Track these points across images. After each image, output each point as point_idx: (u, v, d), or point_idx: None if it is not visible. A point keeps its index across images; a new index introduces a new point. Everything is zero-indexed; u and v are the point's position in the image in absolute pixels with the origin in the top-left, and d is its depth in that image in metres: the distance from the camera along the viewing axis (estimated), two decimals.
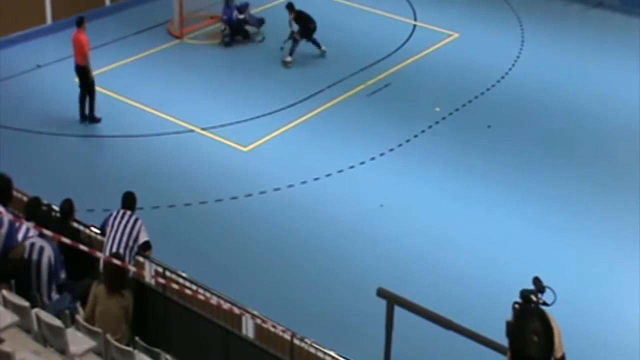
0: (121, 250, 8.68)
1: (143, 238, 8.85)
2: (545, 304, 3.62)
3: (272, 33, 17.35)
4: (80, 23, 14.15)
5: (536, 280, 3.68)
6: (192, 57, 16.93)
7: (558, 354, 3.53)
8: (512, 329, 3.43)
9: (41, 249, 8.08)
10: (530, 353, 3.37)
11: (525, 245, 11.76)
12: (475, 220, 12.28)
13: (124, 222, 8.81)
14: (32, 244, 8.12)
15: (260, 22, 17.48)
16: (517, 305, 3.58)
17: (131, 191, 9.20)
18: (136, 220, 8.87)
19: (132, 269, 8.43)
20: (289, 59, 16.37)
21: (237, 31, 17.24)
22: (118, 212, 8.94)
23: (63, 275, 8.28)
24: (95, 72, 14.30)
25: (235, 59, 16.90)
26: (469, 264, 11.37)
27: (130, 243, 8.74)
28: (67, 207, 8.83)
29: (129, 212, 8.94)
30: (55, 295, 8.23)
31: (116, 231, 8.75)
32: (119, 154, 13.63)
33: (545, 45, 17.45)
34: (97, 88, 14.32)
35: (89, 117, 14.23)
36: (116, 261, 8.00)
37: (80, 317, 7.96)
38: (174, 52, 17.03)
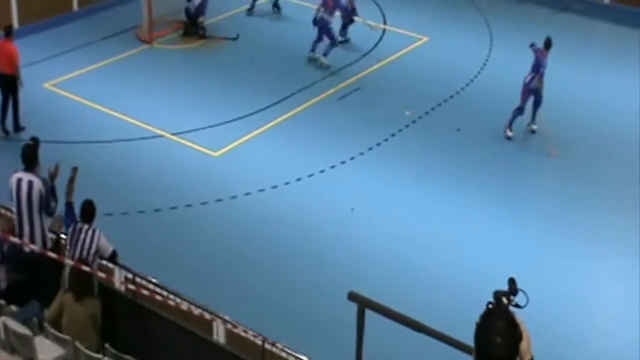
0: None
1: (107, 251, 8.56)
2: (517, 306, 3.63)
3: (241, 38, 17.34)
4: (9, 32, 13.91)
5: (511, 282, 3.69)
6: (161, 62, 16.86)
7: (526, 358, 3.54)
8: (477, 329, 3.44)
9: (30, 183, 8.44)
10: (493, 354, 3.38)
11: (498, 246, 11.85)
12: (447, 223, 12.35)
13: (82, 237, 8.39)
14: (20, 179, 8.47)
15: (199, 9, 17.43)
16: (490, 305, 3.59)
17: (90, 200, 8.66)
18: (94, 233, 8.42)
19: (101, 275, 8.34)
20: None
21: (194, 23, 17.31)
22: (75, 228, 8.49)
23: (54, 204, 8.64)
24: (63, 79, 14.18)
25: (206, 63, 16.85)
26: (441, 267, 11.43)
27: (91, 259, 8.47)
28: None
29: (86, 227, 8.45)
30: (47, 223, 8.57)
31: (74, 249, 8.43)
32: (87, 160, 13.47)
33: (513, 48, 17.56)
34: (66, 94, 14.18)
35: (15, 125, 14.00)
36: (85, 268, 7.93)
37: (48, 326, 7.88)
38: (143, 57, 16.95)
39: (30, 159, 8.61)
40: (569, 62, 17.04)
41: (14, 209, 8.67)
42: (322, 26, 16.52)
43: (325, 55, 16.53)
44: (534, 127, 14.72)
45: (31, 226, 8.49)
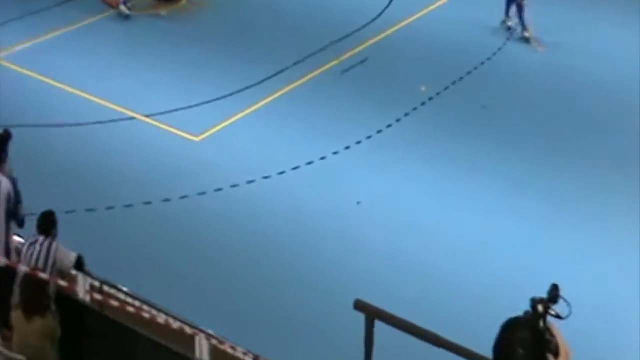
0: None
1: (69, 261, 8.47)
2: (558, 316, 3.65)
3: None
4: None
5: (553, 288, 3.72)
6: (131, 30, 16.88)
7: None
8: (497, 339, 3.49)
9: None
10: None
11: (530, 247, 11.86)
12: (469, 218, 12.37)
13: (36, 250, 8.31)
14: None
15: None
16: (527, 315, 3.63)
17: (49, 211, 8.55)
18: (50, 245, 8.34)
19: (62, 283, 8.37)
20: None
21: None
22: (29, 243, 8.41)
23: (24, 212, 8.59)
24: (12, 50, 14.20)
25: (184, 31, 16.88)
26: (459, 268, 11.44)
27: (47, 274, 8.44)
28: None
29: (41, 239, 8.37)
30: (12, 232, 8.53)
31: (27, 264, 8.28)
32: (45, 147, 13.54)
33: (551, 12, 17.52)
34: (16, 67, 14.20)
35: None
36: (42, 275, 7.97)
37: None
38: (108, 24, 16.98)
39: None
40: (619, 29, 17.04)
41: None
42: None
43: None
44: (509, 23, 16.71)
45: None
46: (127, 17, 16.95)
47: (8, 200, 8.48)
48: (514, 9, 16.64)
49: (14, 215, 8.55)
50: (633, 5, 17.83)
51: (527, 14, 16.44)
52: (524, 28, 16.56)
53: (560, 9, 17.53)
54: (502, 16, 16.90)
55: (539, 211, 12.55)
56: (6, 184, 8.48)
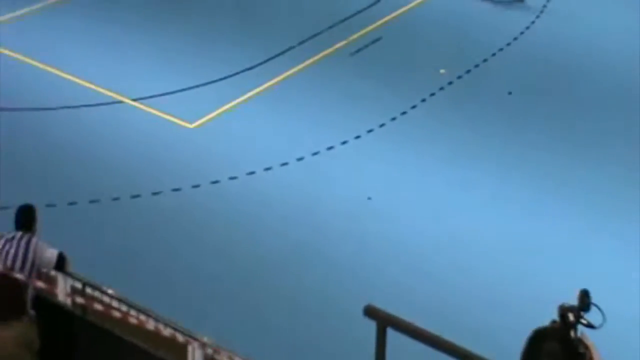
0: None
1: (50, 259, 8.49)
2: (590, 325, 3.61)
3: None
4: None
5: (582, 295, 3.68)
6: (117, 5, 16.85)
7: None
8: (523, 351, 3.45)
9: None
10: None
11: (557, 249, 11.85)
12: (489, 216, 12.38)
13: (12, 249, 8.29)
14: None
15: None
16: (554, 324, 3.60)
17: (28, 204, 8.57)
18: (29, 241, 8.34)
19: (40, 285, 8.35)
20: None
21: None
22: (5, 239, 8.37)
23: None
24: None
25: (174, 4, 16.86)
26: (478, 270, 11.44)
27: (25, 274, 8.43)
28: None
29: (19, 234, 8.37)
30: None
31: (2, 263, 8.31)
32: (26, 133, 13.54)
33: None
34: None
35: None
36: (18, 275, 7.95)
37: None
38: None
39: None
40: None
41: None
42: None
43: None
44: None
45: None
46: None
47: None
48: None
49: None
50: None
51: None
52: None
53: None
54: None
55: (571, 208, 12.54)
56: None
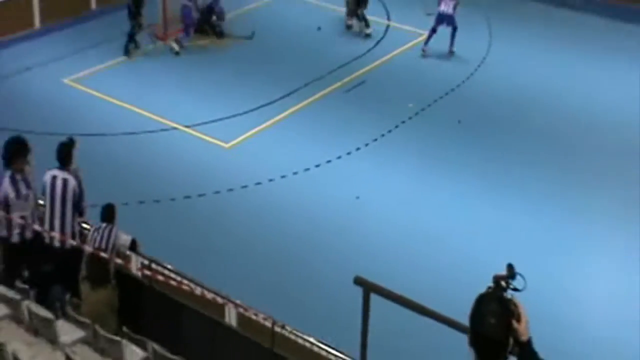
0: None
1: (125, 244, 8.52)
2: (515, 289, 3.64)
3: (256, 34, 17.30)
4: None
5: (509, 267, 3.70)
6: (175, 57, 16.84)
7: (523, 338, 3.56)
8: (472, 311, 3.47)
9: (65, 181, 8.39)
10: (486, 334, 3.42)
11: (495, 232, 11.82)
12: (447, 210, 12.34)
13: (99, 236, 8.39)
14: (54, 177, 8.41)
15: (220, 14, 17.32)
16: (489, 289, 3.61)
17: (109, 203, 8.69)
18: (110, 230, 8.42)
19: (119, 261, 8.38)
20: (368, 30, 17.27)
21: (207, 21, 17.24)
22: (94, 229, 8.50)
23: (85, 204, 8.64)
24: (82, 74, 14.21)
25: (217, 58, 16.84)
26: (440, 252, 11.41)
27: (108, 254, 8.44)
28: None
29: (104, 225, 8.47)
30: (76, 221, 8.51)
31: (93, 245, 8.35)
32: (105, 152, 13.53)
33: (512, 43, 17.53)
34: (85, 88, 14.21)
35: None
36: (103, 254, 7.96)
37: (69, 309, 7.93)
38: (158, 53, 16.94)
39: (65, 157, 8.54)
40: (567, 54, 16.99)
41: (44, 203, 8.57)
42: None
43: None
44: (453, 49, 16.89)
45: (62, 221, 8.41)
46: (176, 54, 16.79)
47: (73, 195, 8.46)
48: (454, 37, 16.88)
49: (77, 207, 8.52)
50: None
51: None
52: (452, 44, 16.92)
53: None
54: (450, 47, 16.93)
55: (503, 200, 12.54)
56: (72, 181, 8.46)
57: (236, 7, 18.62)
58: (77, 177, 8.51)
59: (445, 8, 16.47)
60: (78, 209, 8.56)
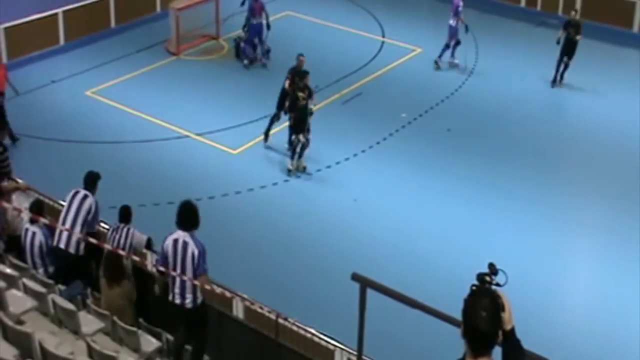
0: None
1: (142, 243, 8.55)
2: (498, 284, 3.66)
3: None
4: None
5: (490, 265, 3.73)
6: (187, 71, 16.86)
7: (508, 327, 3.58)
8: (465, 305, 3.48)
9: (85, 197, 8.39)
10: (479, 326, 3.43)
11: (483, 232, 11.83)
12: (437, 211, 12.36)
13: (118, 235, 8.43)
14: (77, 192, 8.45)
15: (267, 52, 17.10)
16: (473, 287, 3.62)
17: (126, 205, 8.73)
18: (128, 230, 8.46)
19: (135, 258, 8.38)
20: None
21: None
22: (113, 229, 8.54)
23: (97, 227, 8.66)
24: (102, 87, 14.23)
25: (225, 73, 16.85)
26: (430, 250, 11.42)
27: (125, 252, 8.42)
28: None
29: (122, 225, 8.52)
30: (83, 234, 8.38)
31: (112, 244, 8.40)
32: (124, 158, 13.56)
33: (497, 58, 17.55)
34: (105, 100, 14.23)
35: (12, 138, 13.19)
36: (121, 252, 7.97)
37: (90, 302, 7.94)
38: (171, 67, 16.95)
39: (90, 183, 8.58)
40: (547, 69, 17.00)
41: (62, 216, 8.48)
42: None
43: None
44: (456, 61, 16.85)
45: (70, 231, 8.35)
46: (246, 67, 16.73)
47: (88, 212, 8.39)
48: (454, 49, 16.84)
49: (90, 226, 8.43)
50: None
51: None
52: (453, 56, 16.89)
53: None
54: (450, 58, 16.88)
55: (496, 202, 12.55)
56: (91, 199, 8.45)
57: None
58: (95, 200, 8.47)
59: (453, 22, 16.58)
60: (89, 227, 8.44)
